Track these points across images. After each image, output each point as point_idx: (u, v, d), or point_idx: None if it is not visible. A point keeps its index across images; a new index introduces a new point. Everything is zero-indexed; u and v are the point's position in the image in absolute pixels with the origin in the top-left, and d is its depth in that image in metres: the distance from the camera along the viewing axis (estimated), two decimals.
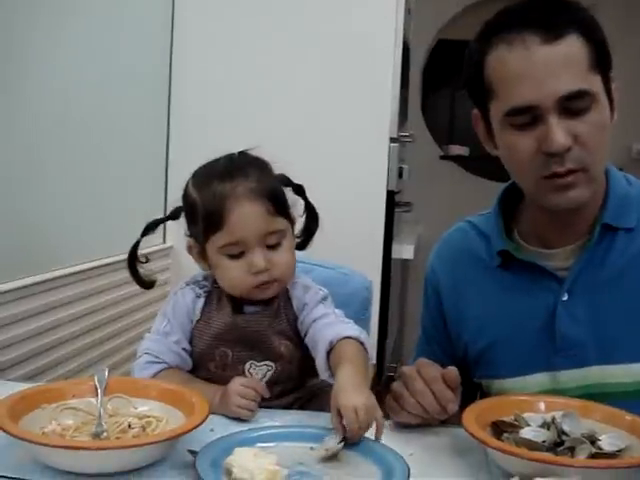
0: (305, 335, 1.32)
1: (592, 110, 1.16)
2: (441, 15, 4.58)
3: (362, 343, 1.25)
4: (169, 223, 1.38)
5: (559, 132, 1.14)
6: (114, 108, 2.26)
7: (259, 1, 2.63)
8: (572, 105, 1.15)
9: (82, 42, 2.06)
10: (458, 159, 4.73)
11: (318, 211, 1.38)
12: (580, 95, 1.14)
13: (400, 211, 2.89)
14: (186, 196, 1.32)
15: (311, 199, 1.37)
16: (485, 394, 1.38)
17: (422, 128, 4.60)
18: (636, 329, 1.22)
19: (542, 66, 1.14)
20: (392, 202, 2.64)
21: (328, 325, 1.28)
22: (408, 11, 2.80)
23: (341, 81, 2.59)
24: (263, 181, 1.27)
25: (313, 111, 2.61)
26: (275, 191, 1.29)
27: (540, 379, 1.28)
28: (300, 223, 1.37)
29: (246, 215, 1.24)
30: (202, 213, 1.27)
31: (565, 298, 1.25)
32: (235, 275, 1.27)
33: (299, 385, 1.36)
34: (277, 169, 1.33)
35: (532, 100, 1.15)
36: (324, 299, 1.34)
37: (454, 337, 1.41)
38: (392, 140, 2.61)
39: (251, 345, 1.31)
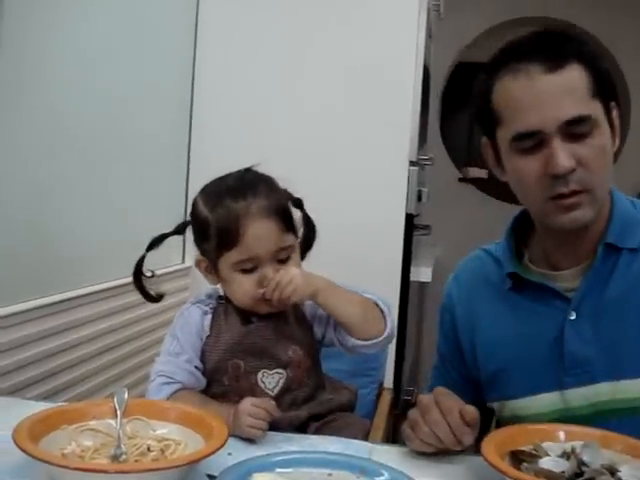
0: (327, 328, 1.37)
1: (594, 134, 1.21)
2: (460, 38, 4.59)
3: (376, 304, 1.34)
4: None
5: (563, 155, 1.19)
6: (134, 124, 2.27)
7: (280, 24, 2.66)
8: (574, 129, 1.20)
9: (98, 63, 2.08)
10: (477, 182, 4.72)
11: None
12: (581, 120, 1.19)
13: (419, 234, 2.88)
14: (196, 213, 1.34)
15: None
16: (499, 419, 1.39)
17: (441, 150, 4.60)
18: None
19: (545, 93, 1.20)
20: (411, 225, 2.63)
21: None
22: (429, 35, 2.81)
23: (362, 104, 2.60)
24: (273, 198, 1.32)
25: (333, 134, 2.62)
26: (285, 208, 1.33)
27: (550, 398, 1.30)
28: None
29: (260, 233, 1.28)
30: (215, 230, 1.30)
31: (573, 317, 1.28)
32: (247, 289, 1.31)
33: (311, 396, 1.37)
34: (281, 184, 1.37)
35: (536, 125, 1.20)
36: None
37: (469, 362, 1.43)
38: (412, 163, 2.60)
39: (261, 354, 1.33)
